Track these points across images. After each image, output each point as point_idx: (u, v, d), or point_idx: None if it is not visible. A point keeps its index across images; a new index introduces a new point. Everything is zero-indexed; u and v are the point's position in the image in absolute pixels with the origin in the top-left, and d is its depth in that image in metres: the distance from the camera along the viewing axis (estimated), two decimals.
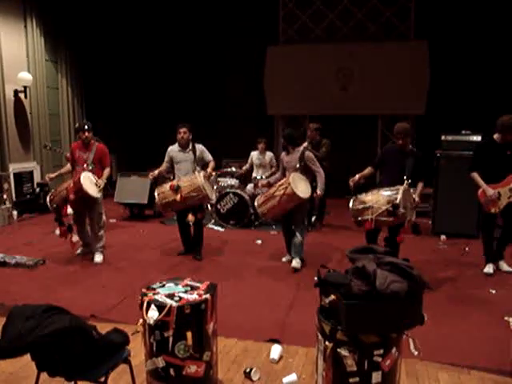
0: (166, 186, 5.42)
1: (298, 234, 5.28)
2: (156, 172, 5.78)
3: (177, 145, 5.71)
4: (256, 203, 5.33)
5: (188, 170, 5.60)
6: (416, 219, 4.89)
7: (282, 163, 5.59)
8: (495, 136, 4.91)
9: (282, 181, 5.19)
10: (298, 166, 5.27)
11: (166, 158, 5.80)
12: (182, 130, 5.60)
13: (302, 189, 5.08)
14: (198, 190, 5.29)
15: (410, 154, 4.76)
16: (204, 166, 5.74)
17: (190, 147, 5.67)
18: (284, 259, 5.63)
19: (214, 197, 5.79)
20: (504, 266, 5.18)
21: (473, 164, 4.98)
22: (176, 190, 5.30)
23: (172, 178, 5.83)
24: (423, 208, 7.15)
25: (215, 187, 7.56)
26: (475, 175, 4.90)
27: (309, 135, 7.16)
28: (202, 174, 5.44)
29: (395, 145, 4.94)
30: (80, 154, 5.57)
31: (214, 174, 6.07)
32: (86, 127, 5.57)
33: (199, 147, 5.73)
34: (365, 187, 4.90)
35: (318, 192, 5.25)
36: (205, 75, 10.62)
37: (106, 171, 5.66)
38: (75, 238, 5.78)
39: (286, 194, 4.99)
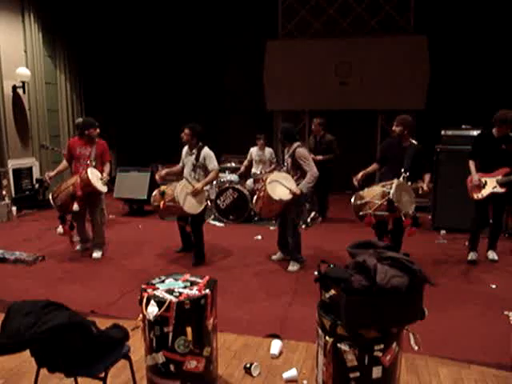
0: (160, 189, 5.15)
1: (289, 239, 5.10)
2: (163, 173, 5.49)
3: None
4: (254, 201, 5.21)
5: (187, 174, 5.34)
6: (416, 214, 4.89)
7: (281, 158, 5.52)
8: (494, 129, 5.08)
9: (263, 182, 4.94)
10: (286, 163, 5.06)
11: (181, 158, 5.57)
12: (184, 130, 5.36)
13: (280, 190, 4.75)
14: (173, 200, 4.93)
15: (409, 147, 4.81)
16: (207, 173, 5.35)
17: (195, 150, 5.35)
18: (274, 257, 5.41)
19: (198, 211, 5.05)
20: (490, 255, 5.43)
21: (471, 152, 5.26)
22: (162, 195, 5.03)
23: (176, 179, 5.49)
24: (423, 203, 7.15)
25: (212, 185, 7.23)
26: (470, 163, 5.19)
27: (313, 129, 7.26)
28: (182, 183, 5.01)
29: (393, 138, 5.01)
30: (81, 150, 5.50)
31: (202, 186, 5.16)
32: (97, 123, 5.58)
33: (204, 152, 5.31)
34: (368, 182, 4.91)
35: (296, 189, 4.72)
36: (204, 70, 10.58)
37: (107, 166, 5.63)
38: (76, 238, 5.81)
39: (264, 197, 4.84)
